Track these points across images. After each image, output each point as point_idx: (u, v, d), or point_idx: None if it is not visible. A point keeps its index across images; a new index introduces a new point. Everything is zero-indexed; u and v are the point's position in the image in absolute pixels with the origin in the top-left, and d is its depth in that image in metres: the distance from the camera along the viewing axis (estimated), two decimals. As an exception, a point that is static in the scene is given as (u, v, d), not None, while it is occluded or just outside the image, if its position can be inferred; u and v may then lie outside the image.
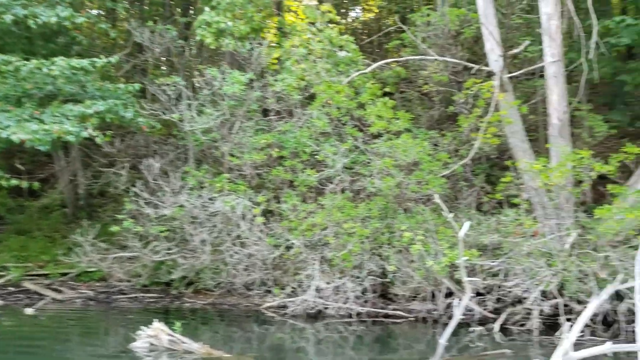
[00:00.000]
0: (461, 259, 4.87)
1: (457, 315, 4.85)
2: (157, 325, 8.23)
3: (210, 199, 11.16)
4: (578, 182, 9.75)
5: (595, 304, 4.95)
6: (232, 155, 11.64)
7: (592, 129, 11.39)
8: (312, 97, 11.56)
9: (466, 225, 4.77)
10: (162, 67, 15.79)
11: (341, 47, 11.97)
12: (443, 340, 4.64)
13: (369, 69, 11.18)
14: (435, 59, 11.69)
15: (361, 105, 11.07)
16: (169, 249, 11.44)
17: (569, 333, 4.76)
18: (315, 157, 11.12)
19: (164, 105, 12.08)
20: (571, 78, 11.50)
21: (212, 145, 12.08)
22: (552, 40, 10.21)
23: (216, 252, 11.27)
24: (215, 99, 11.93)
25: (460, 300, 5.74)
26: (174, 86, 12.03)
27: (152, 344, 8.18)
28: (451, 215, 5.22)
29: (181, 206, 11.16)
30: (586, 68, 10.23)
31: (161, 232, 11.32)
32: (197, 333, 9.13)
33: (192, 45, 14.67)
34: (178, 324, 8.50)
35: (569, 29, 11.02)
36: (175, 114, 11.84)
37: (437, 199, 5.93)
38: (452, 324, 4.72)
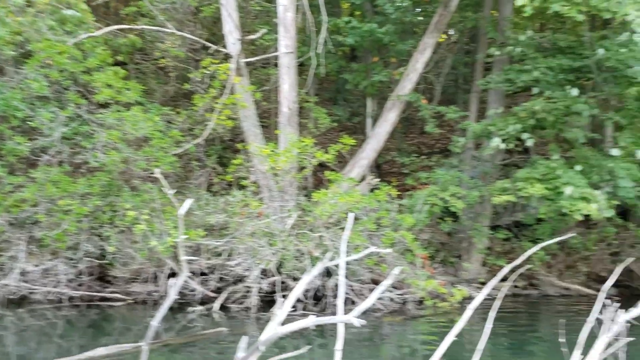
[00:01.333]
0: (180, 237, 4.64)
1: (172, 295, 4.60)
2: None
3: None
4: (301, 168, 10.37)
5: (305, 280, 5.15)
6: None
7: (317, 121, 12.24)
8: (29, 55, 10.14)
9: (187, 203, 4.54)
10: None
11: (69, 5, 10.74)
12: (155, 321, 4.34)
13: (100, 32, 10.27)
14: (173, 33, 11.29)
15: (88, 71, 10.09)
16: None
17: (281, 309, 4.88)
18: (29, 123, 9.77)
19: None
20: (303, 70, 12.19)
21: None
22: (286, 32, 10.65)
23: None
24: None
25: (176, 280, 5.56)
26: None
27: None
28: (172, 192, 4.94)
29: None
30: (315, 62, 10.90)
31: None
32: None
33: None
34: None
35: (303, 23, 11.61)
36: None
37: (157, 174, 5.60)
38: (166, 305, 4.46)
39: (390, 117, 11.63)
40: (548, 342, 7.76)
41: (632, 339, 3.39)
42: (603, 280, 3.90)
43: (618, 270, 4.17)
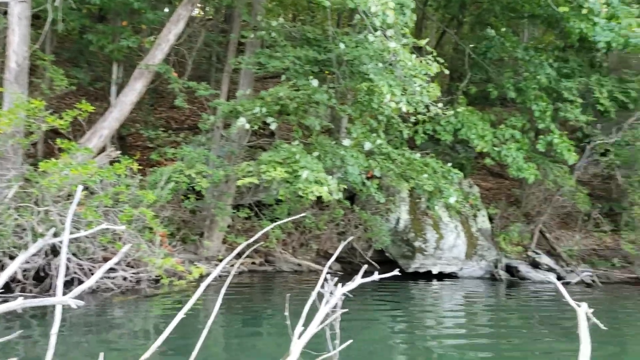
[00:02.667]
0: None
1: None
2: None
3: None
4: (29, 133, 9.20)
5: (20, 259, 4.53)
6: None
7: (52, 82, 10.98)
8: None
9: None
10: None
11: None
12: None
13: None
14: None
15: None
16: None
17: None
18: None
19: None
20: (39, 25, 10.80)
21: None
22: (19, -24, 9.31)
23: None
24: None
25: None
26: None
27: None
28: None
29: None
30: (52, 17, 9.74)
31: None
32: None
33: None
34: None
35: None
36: None
37: None
38: None
39: (137, 87, 10.99)
40: (278, 315, 8.17)
41: (346, 310, 3.66)
42: (331, 257, 4.21)
43: (340, 247, 4.51)
